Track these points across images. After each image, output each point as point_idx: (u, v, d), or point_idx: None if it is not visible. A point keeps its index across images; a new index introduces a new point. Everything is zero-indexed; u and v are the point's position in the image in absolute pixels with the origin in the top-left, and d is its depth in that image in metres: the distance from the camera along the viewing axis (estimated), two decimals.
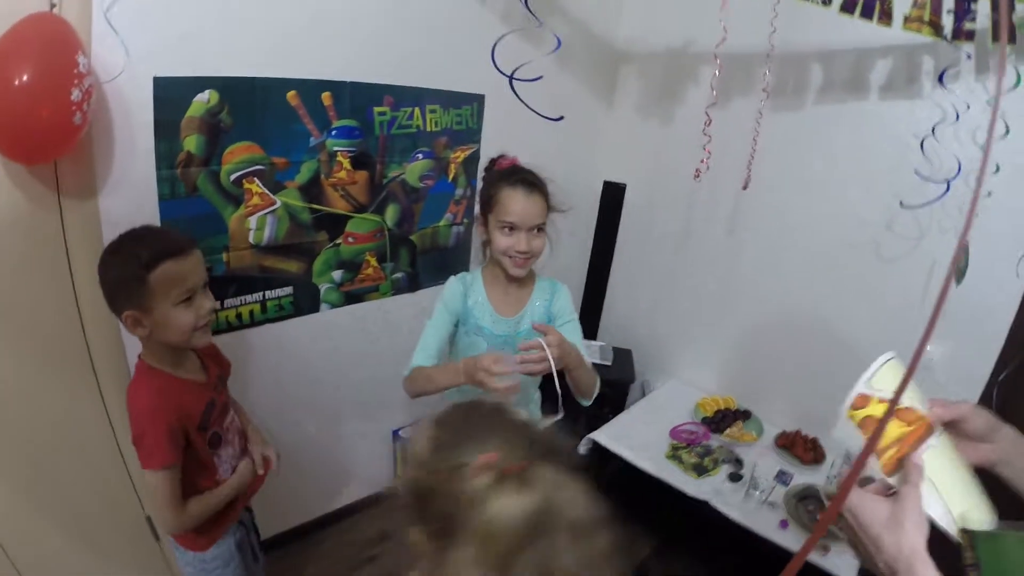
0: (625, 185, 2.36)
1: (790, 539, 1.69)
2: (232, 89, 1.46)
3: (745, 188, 1.89)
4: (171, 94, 1.37)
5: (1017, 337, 1.72)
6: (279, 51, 1.51)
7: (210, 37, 1.39)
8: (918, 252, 1.81)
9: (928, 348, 0.71)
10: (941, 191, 1.66)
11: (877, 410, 0.65)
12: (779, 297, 2.15)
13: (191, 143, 1.44)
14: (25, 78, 1.04)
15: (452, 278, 1.47)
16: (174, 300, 1.10)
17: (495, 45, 1.71)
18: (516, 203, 1.31)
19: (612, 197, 2.39)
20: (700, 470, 1.91)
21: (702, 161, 1.78)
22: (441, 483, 0.60)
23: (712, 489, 1.84)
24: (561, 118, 1.93)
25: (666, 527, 2.24)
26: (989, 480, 0.68)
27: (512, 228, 1.32)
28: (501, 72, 1.75)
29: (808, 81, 1.92)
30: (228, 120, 1.48)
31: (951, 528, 0.62)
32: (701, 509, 1.80)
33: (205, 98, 1.42)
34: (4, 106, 1.04)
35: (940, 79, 1.60)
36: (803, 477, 1.93)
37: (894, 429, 0.64)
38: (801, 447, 2.03)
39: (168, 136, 1.39)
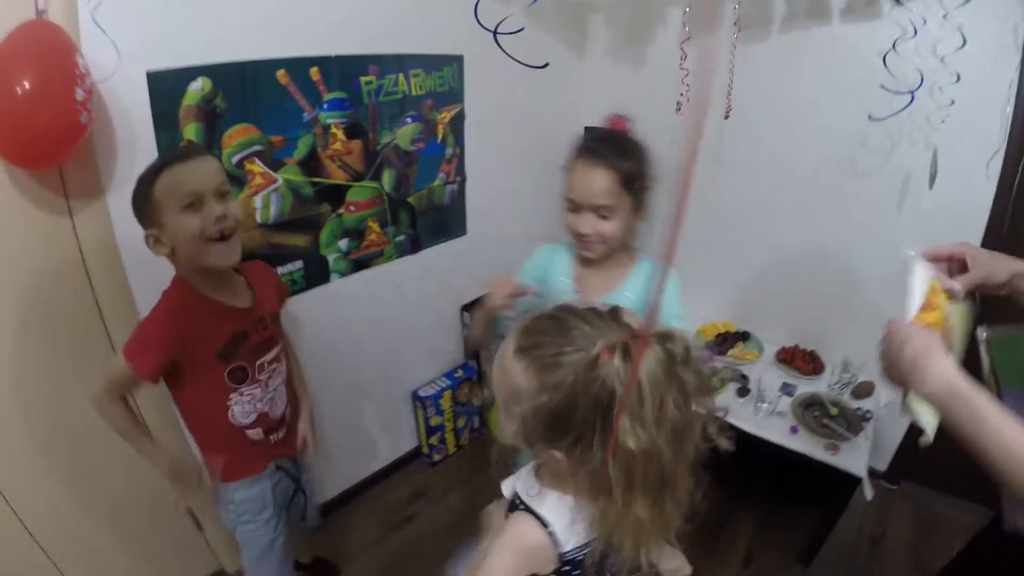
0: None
1: (801, 443, 1.84)
2: (224, 74, 1.49)
3: (727, 118, 1.95)
4: (165, 86, 1.40)
5: (992, 236, 1.82)
6: (264, 32, 1.53)
7: (196, 26, 1.41)
8: (891, 164, 1.90)
9: (910, 253, 0.85)
10: (906, 103, 1.73)
11: (930, 316, 0.84)
12: (765, 220, 2.25)
13: (190, 131, 1.47)
14: (28, 85, 1.07)
15: (542, 246, 1.33)
16: (178, 206, 1.08)
17: (476, 4, 1.73)
18: (577, 177, 1.15)
19: None
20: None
21: (682, 94, 1.84)
22: (579, 386, 0.65)
23: (724, 405, 1.97)
24: (546, 65, 1.96)
25: None
26: None
27: (576, 206, 1.17)
28: (485, 28, 1.78)
29: (772, 12, 1.96)
30: (223, 105, 1.51)
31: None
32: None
33: (199, 86, 1.45)
34: (10, 115, 1.08)
35: None
36: (806, 387, 2.07)
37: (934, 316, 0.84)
38: (801, 359, 2.16)
39: (168, 127, 1.43)
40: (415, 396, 2.36)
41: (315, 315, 1.93)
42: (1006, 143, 1.72)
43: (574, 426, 0.66)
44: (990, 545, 1.09)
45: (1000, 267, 0.90)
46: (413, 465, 2.47)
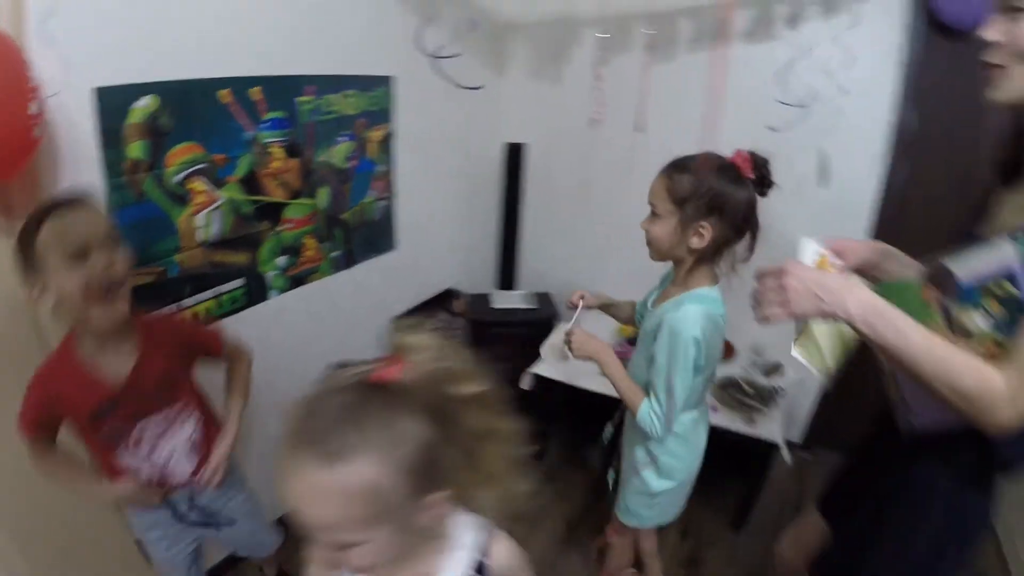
0: (525, 144, 2.60)
1: (722, 419, 2.08)
2: (169, 92, 1.48)
3: (638, 131, 2.20)
4: (112, 103, 1.37)
5: (879, 227, 2.21)
6: (210, 51, 1.54)
7: (144, 44, 1.39)
8: (788, 169, 2.24)
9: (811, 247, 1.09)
10: (801, 115, 2.09)
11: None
12: None
13: (135, 149, 1.45)
14: None
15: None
16: (61, 259, 1.02)
17: (416, 31, 1.86)
18: None
19: (514, 156, 2.61)
20: None
21: (596, 109, 2.07)
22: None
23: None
24: (481, 87, 2.11)
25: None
26: None
27: None
28: (427, 53, 1.92)
29: (679, 34, 2.26)
30: (168, 123, 1.50)
31: None
32: None
33: (144, 103, 1.43)
34: None
35: (790, 24, 2.04)
36: (721, 371, 2.28)
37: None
38: None
39: (113, 145, 1.40)
40: None
41: (256, 332, 1.90)
42: (889, 150, 2.12)
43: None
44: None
45: (870, 250, 1.17)
46: None
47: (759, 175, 1.21)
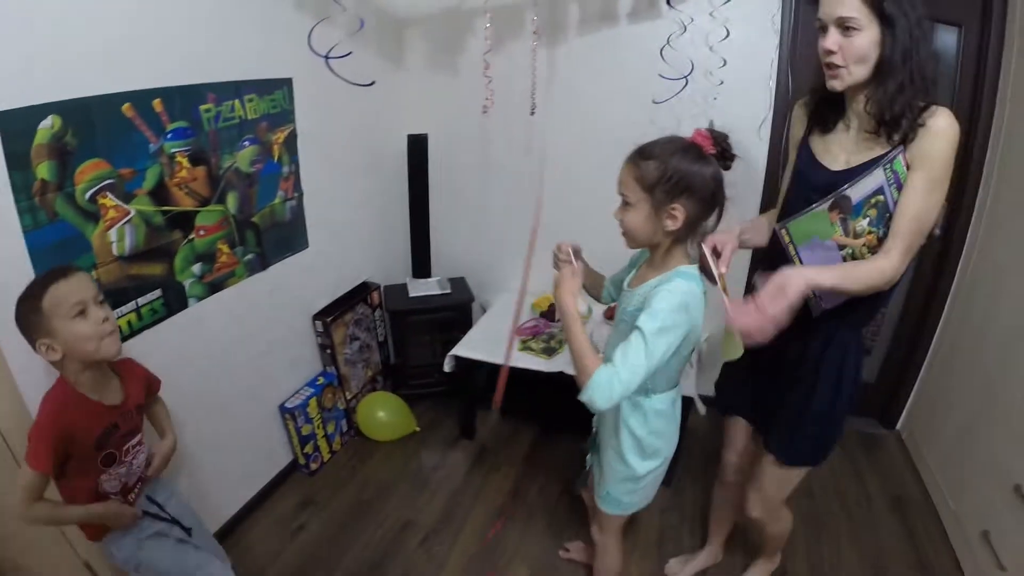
0: (427, 135, 2.72)
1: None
2: (72, 111, 1.48)
3: (532, 114, 2.39)
4: (16, 126, 1.36)
5: (768, 189, 2.51)
6: (108, 67, 1.55)
7: (43, 65, 1.39)
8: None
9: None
10: (682, 86, 2.35)
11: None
12: (575, 199, 2.66)
13: (43, 170, 1.44)
14: None
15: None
16: (67, 316, 1.27)
17: (310, 32, 1.93)
18: None
19: (417, 147, 2.74)
20: (549, 351, 2.49)
21: (487, 98, 2.25)
22: None
23: (564, 361, 2.40)
24: (373, 83, 2.22)
25: (543, 413, 2.84)
26: None
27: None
28: (317, 54, 1.98)
29: (568, 19, 2.48)
30: (73, 141, 1.50)
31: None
32: (560, 379, 2.34)
33: (49, 123, 1.43)
34: None
35: (668, 2, 2.28)
36: None
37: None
38: None
39: (20, 167, 1.39)
40: (283, 409, 2.43)
41: (177, 343, 1.93)
42: (772, 111, 2.39)
43: None
44: None
45: (732, 235, 1.45)
46: (293, 477, 2.54)
47: (720, 149, 1.25)
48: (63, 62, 1.44)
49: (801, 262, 1.39)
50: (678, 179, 1.21)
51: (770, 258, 1.49)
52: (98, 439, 1.37)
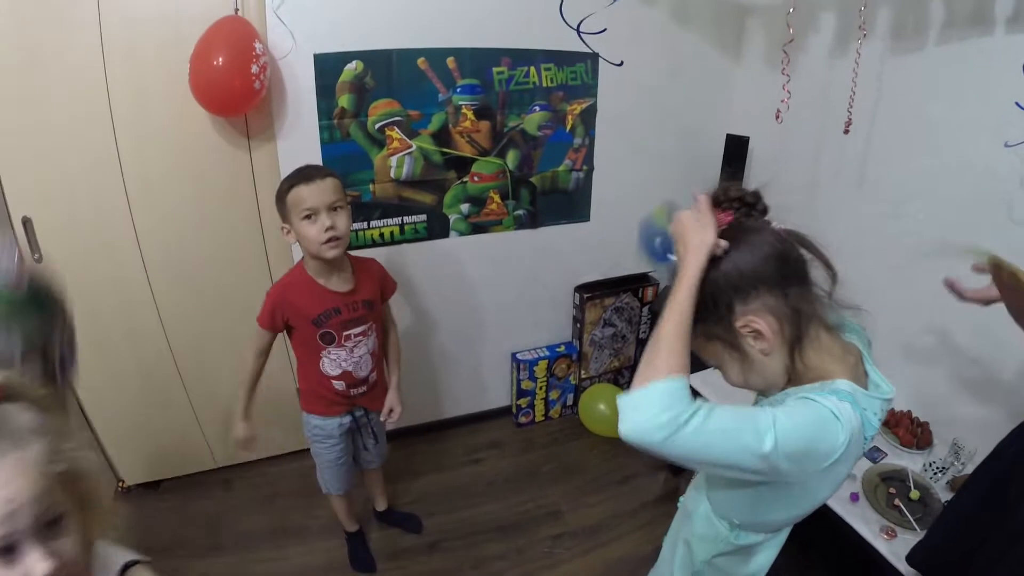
0: (748, 138, 2.27)
1: (855, 514, 1.64)
2: (374, 59, 1.90)
3: (846, 132, 1.72)
4: (327, 66, 1.86)
5: None
6: (410, 27, 1.90)
7: (355, 20, 1.83)
8: None
9: None
10: None
11: None
12: (904, 259, 1.91)
13: (344, 100, 1.93)
14: (221, 60, 1.60)
15: None
16: (299, 216, 1.46)
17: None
18: None
19: (735, 149, 2.31)
20: None
21: (782, 101, 1.72)
22: None
23: None
24: (621, 63, 2.12)
25: None
26: None
27: None
28: (568, 25, 1.96)
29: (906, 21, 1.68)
30: (372, 82, 1.93)
31: None
32: None
33: (353, 67, 1.89)
34: (209, 79, 1.62)
35: None
36: (898, 459, 1.82)
37: None
38: (906, 429, 1.87)
39: (326, 96, 1.90)
40: (514, 357, 2.63)
41: (432, 263, 2.30)
42: None
43: None
44: None
45: None
46: (501, 420, 2.76)
47: (741, 205, 0.87)
48: (371, 19, 1.86)
49: None
50: (720, 292, 0.82)
51: None
52: (318, 317, 1.57)
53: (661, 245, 0.92)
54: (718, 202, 0.88)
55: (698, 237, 0.82)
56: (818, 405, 0.77)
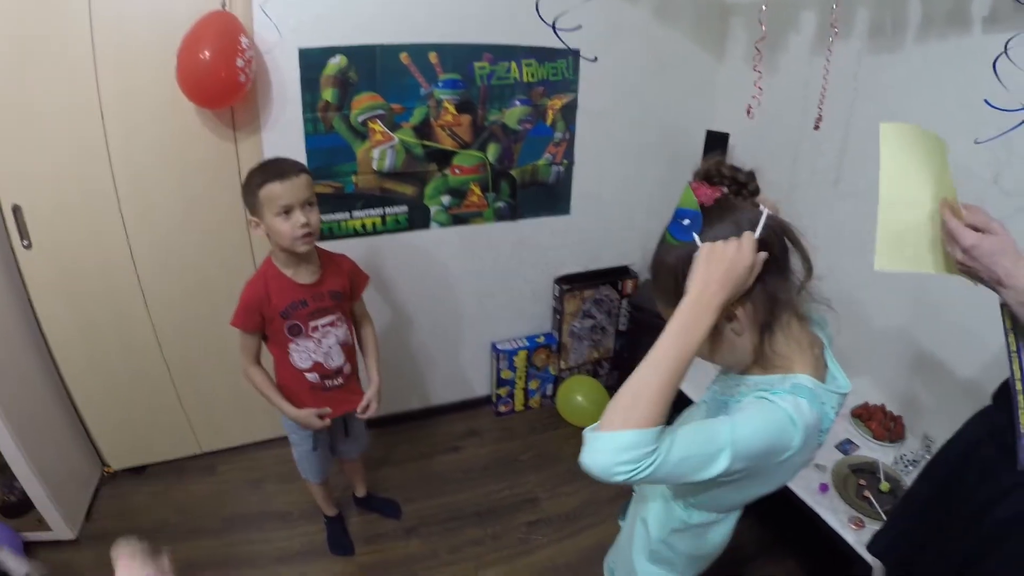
0: (728, 134, 2.34)
1: (824, 504, 1.70)
2: (357, 54, 1.95)
3: (816, 128, 1.79)
4: (311, 60, 1.91)
5: None
6: (393, 22, 1.96)
7: (339, 16, 1.89)
8: None
9: None
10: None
11: None
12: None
13: (328, 94, 1.98)
14: (207, 53, 1.64)
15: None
16: (274, 212, 1.45)
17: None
18: None
19: (714, 145, 2.37)
20: None
21: (753, 97, 1.79)
22: None
23: None
24: (595, 59, 2.17)
25: None
26: None
27: None
28: (545, 21, 2.01)
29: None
30: (354, 76, 1.99)
31: None
32: None
33: (337, 61, 1.94)
34: (196, 72, 1.67)
35: None
36: (869, 451, 1.88)
37: None
38: (879, 423, 1.92)
39: (311, 89, 1.95)
40: (494, 347, 2.69)
41: (413, 253, 2.36)
42: None
43: None
44: None
45: None
46: (481, 409, 2.82)
47: (733, 184, 0.85)
48: (355, 15, 1.91)
49: None
50: (690, 268, 0.81)
51: None
52: (285, 309, 1.58)
53: (690, 225, 0.84)
54: (709, 176, 0.86)
55: (732, 273, 0.77)
56: (775, 408, 0.80)
